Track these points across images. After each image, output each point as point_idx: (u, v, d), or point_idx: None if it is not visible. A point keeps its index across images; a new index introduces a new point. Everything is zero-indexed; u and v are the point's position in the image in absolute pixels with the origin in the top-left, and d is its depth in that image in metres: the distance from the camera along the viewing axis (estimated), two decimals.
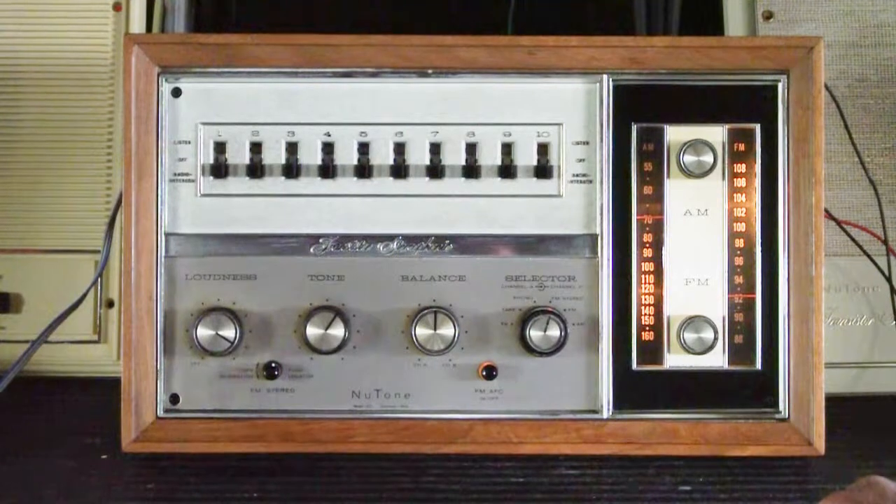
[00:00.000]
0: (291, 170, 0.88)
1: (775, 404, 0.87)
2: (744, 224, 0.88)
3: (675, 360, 0.88)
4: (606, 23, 1.28)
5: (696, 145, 0.87)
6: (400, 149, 0.88)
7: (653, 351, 0.88)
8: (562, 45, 0.87)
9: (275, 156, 0.88)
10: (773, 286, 0.87)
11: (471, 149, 0.88)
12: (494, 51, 0.87)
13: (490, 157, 0.88)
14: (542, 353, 0.86)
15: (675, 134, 0.88)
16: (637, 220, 0.88)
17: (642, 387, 0.87)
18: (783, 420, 0.87)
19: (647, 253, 0.88)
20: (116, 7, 1.08)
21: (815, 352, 0.86)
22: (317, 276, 0.87)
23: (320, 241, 0.88)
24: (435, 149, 0.88)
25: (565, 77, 0.88)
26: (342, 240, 0.88)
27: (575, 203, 0.88)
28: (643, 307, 0.88)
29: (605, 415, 0.87)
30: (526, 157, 0.88)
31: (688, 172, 0.87)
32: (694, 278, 0.88)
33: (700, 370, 0.88)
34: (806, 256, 0.87)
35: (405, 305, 0.87)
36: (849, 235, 1.01)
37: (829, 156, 1.02)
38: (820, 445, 0.86)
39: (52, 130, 1.07)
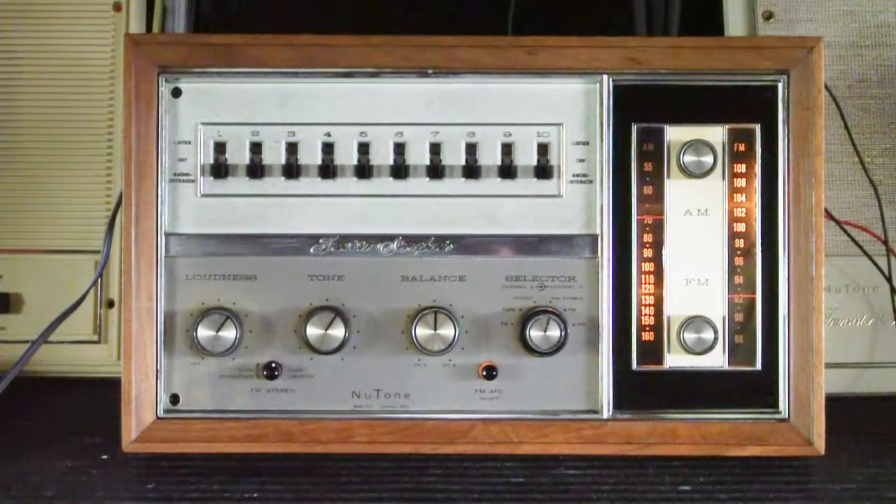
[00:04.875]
0: (291, 170, 0.88)
1: (775, 404, 0.87)
2: (744, 224, 0.88)
3: (675, 360, 0.88)
4: (606, 23, 1.28)
5: (696, 145, 0.87)
6: (400, 149, 0.88)
7: (653, 351, 0.88)
8: (562, 45, 0.87)
9: (275, 156, 0.88)
10: (773, 286, 0.87)
11: (471, 149, 0.88)
12: (495, 51, 0.87)
13: (490, 157, 0.88)
14: (542, 353, 0.86)
15: (675, 134, 0.88)
16: (637, 220, 0.88)
17: (642, 387, 0.87)
18: (783, 420, 0.87)
19: (647, 253, 0.88)
20: (116, 7, 1.08)
21: (815, 352, 0.86)
22: (317, 276, 0.87)
23: (320, 241, 0.88)
24: (435, 149, 0.88)
25: (565, 77, 0.88)
26: (342, 240, 0.88)
27: (575, 203, 0.88)
28: (643, 307, 0.88)
29: (605, 415, 0.87)
30: (526, 157, 0.88)
31: (688, 172, 0.87)
32: (694, 278, 0.88)
33: (700, 370, 0.88)
34: (806, 256, 0.87)
35: (405, 305, 0.87)
36: (849, 235, 1.01)
37: (829, 156, 1.02)
38: (820, 445, 0.86)
39: (52, 130, 1.07)
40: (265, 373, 0.86)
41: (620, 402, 0.87)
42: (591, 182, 0.88)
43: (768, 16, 1.07)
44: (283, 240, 0.88)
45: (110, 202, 1.06)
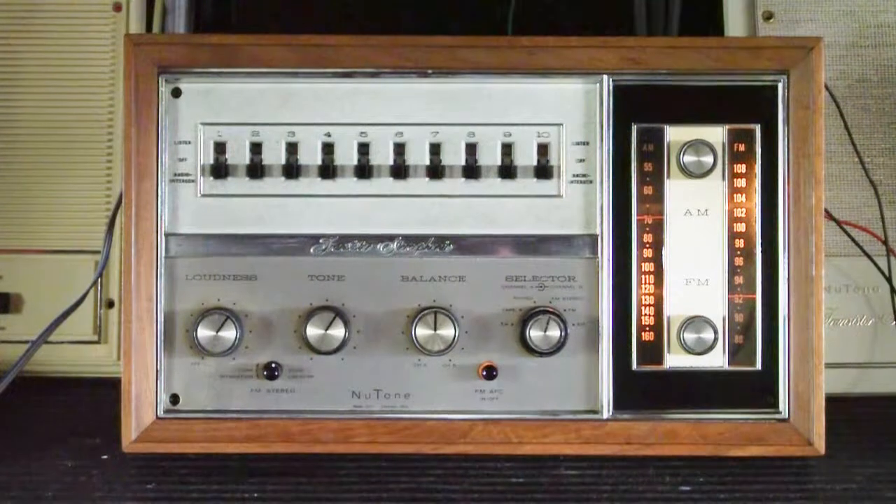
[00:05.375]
0: (291, 170, 0.88)
1: (775, 404, 0.87)
2: (744, 224, 0.88)
3: (675, 360, 0.88)
4: (606, 23, 1.28)
5: (696, 145, 0.87)
6: (400, 149, 0.88)
7: (653, 351, 0.88)
8: (562, 45, 0.87)
9: (275, 156, 0.88)
10: (773, 286, 0.87)
11: (471, 149, 0.88)
12: (494, 51, 0.87)
13: (490, 157, 0.88)
14: (542, 354, 0.86)
15: (675, 134, 0.88)
16: (637, 220, 0.88)
17: (642, 387, 0.87)
18: (783, 420, 0.87)
19: (647, 253, 0.88)
20: (116, 7, 1.08)
21: (815, 352, 0.86)
22: (317, 276, 0.87)
23: (320, 241, 0.88)
24: (435, 149, 0.88)
25: (565, 77, 0.88)
26: (342, 240, 0.88)
27: (575, 203, 0.88)
28: (643, 307, 0.88)
29: (605, 415, 0.87)
30: (526, 157, 0.88)
31: (688, 172, 0.87)
32: (694, 278, 0.88)
33: (700, 370, 0.88)
34: (806, 257, 0.87)
35: (405, 306, 0.87)
36: (849, 236, 1.01)
37: (829, 156, 1.02)
38: (820, 445, 0.86)
39: (52, 131, 1.07)
40: (265, 373, 0.86)
41: (620, 403, 0.87)
42: (591, 182, 0.88)
43: (768, 16, 1.07)
44: (283, 240, 0.88)
45: (110, 202, 1.06)
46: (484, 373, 0.86)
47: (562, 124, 0.88)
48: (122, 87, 0.90)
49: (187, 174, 0.88)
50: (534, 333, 0.86)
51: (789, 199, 0.87)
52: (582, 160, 0.88)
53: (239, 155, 0.88)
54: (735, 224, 0.88)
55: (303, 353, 0.87)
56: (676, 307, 0.88)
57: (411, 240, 0.88)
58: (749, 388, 0.87)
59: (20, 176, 1.07)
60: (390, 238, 0.88)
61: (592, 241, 0.88)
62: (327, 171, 0.88)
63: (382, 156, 0.88)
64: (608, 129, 0.88)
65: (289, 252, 0.88)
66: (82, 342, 1.06)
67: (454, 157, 0.88)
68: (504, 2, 1.24)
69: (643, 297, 0.88)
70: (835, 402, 0.89)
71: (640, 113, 0.88)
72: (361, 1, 1.27)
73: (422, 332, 0.86)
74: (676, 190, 0.88)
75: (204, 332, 0.86)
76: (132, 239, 0.86)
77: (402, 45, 0.87)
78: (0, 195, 1.06)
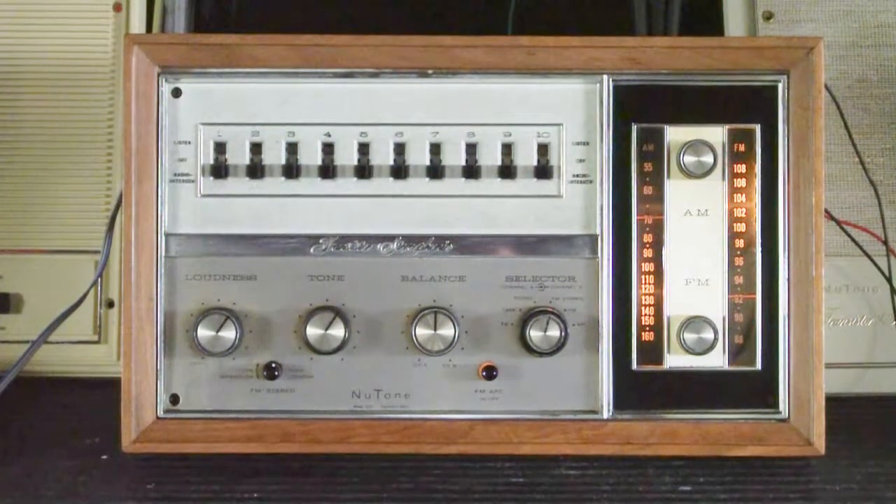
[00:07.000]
0: (291, 170, 0.88)
1: (775, 404, 0.87)
2: (744, 224, 0.88)
3: (675, 360, 0.88)
4: (606, 23, 1.28)
5: (696, 146, 0.87)
6: (400, 149, 0.88)
7: (653, 351, 0.88)
8: (562, 45, 0.87)
9: (275, 156, 0.88)
10: (773, 286, 0.87)
11: (471, 149, 0.88)
12: (494, 51, 0.87)
13: (490, 157, 0.88)
14: (542, 354, 0.86)
15: (676, 134, 0.88)
16: (637, 220, 0.88)
17: (642, 387, 0.87)
18: (783, 420, 0.87)
19: (647, 253, 0.88)
20: (116, 7, 1.08)
21: (815, 352, 0.86)
22: (317, 276, 0.87)
23: (320, 241, 0.88)
24: (435, 149, 0.88)
25: (565, 77, 0.88)
26: (342, 240, 0.88)
27: (575, 203, 0.88)
28: (643, 307, 0.88)
29: (605, 415, 0.87)
30: (526, 157, 0.88)
31: (688, 173, 0.87)
32: (694, 278, 0.88)
33: (700, 370, 0.88)
34: (806, 257, 0.87)
35: (405, 306, 0.87)
36: (849, 236, 1.01)
37: (829, 156, 1.02)
38: (820, 445, 0.86)
39: (52, 130, 1.07)
40: (265, 373, 0.86)
41: (620, 403, 0.87)
42: (591, 182, 0.88)
43: (768, 16, 1.07)
44: (283, 240, 0.88)
45: (110, 202, 1.06)
46: (484, 373, 0.86)
47: (562, 124, 0.88)
48: (122, 87, 0.90)
49: (187, 174, 0.88)
50: (534, 333, 0.86)
51: (789, 199, 0.87)
52: (582, 160, 0.88)
53: (239, 155, 0.88)
54: (735, 224, 0.88)
55: (303, 353, 0.87)
56: (676, 307, 0.88)
57: (411, 240, 0.88)
58: (749, 388, 0.87)
59: (20, 176, 1.07)
60: (390, 238, 0.88)
61: (592, 241, 0.88)
62: (327, 171, 0.88)
63: (382, 156, 0.88)
64: (608, 129, 0.88)
65: (289, 252, 0.88)
66: (82, 342, 1.06)
67: (454, 157, 0.88)
68: (504, 2, 1.24)
69: (643, 297, 0.88)
70: (835, 402, 0.89)
71: (640, 113, 0.88)
72: (361, 1, 1.27)
73: (422, 332, 0.86)
74: (676, 190, 0.88)
75: (204, 332, 0.86)
76: (132, 239, 0.86)
77: (402, 45, 0.87)
78: (0, 195, 1.07)
